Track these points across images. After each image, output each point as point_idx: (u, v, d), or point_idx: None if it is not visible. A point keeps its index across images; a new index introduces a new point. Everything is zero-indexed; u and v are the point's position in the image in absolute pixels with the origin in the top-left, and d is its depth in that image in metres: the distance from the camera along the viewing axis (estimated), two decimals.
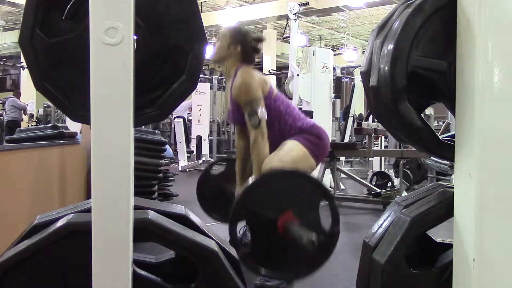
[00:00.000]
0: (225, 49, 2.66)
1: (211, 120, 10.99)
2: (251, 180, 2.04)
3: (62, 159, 3.14)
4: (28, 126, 12.86)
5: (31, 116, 14.49)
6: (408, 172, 6.21)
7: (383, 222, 1.64)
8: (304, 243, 1.74)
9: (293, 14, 7.00)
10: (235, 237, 1.88)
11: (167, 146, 5.64)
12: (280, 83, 13.55)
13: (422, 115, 1.51)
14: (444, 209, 1.50)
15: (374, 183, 5.99)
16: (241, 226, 3.16)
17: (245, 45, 2.66)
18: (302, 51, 7.79)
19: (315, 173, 4.46)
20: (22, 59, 9.38)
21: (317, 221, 1.98)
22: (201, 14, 1.53)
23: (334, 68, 7.16)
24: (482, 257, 1.32)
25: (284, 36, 8.53)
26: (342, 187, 6.45)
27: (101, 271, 1.19)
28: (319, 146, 2.62)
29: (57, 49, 1.31)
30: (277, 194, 1.99)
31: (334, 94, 6.74)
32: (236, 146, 2.93)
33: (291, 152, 2.55)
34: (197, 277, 1.29)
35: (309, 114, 6.10)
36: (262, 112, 2.51)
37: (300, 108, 6.43)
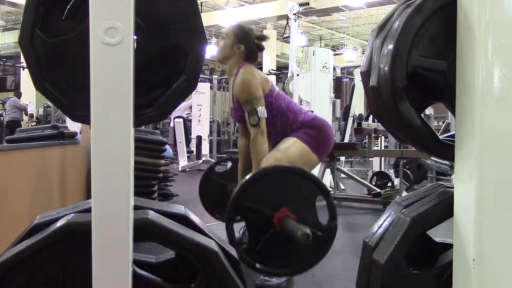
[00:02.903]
0: (229, 48, 2.66)
1: (211, 120, 11.00)
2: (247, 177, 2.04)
3: (62, 159, 3.14)
4: (28, 126, 12.86)
5: (31, 116, 14.49)
6: (408, 172, 6.21)
7: (383, 222, 1.64)
8: (299, 237, 1.73)
9: (293, 14, 7.00)
10: (232, 235, 1.88)
11: (167, 146, 5.64)
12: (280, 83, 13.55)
13: (422, 115, 1.51)
14: (444, 209, 1.50)
15: (374, 183, 5.99)
16: (241, 227, 3.18)
17: (249, 44, 2.66)
18: (302, 51, 7.79)
19: (315, 172, 4.46)
20: (22, 59, 9.38)
21: (314, 216, 1.99)
22: (201, 14, 1.53)
23: (334, 68, 7.16)
24: (482, 257, 1.32)
25: (284, 36, 8.53)
26: (342, 187, 6.45)
27: (101, 271, 1.19)
28: (320, 138, 2.61)
29: (57, 49, 1.31)
30: (272, 191, 1.99)
31: (334, 94, 6.74)
32: (239, 145, 2.94)
33: (289, 149, 2.55)
34: (197, 277, 1.29)
35: None
36: (262, 110, 2.52)
37: None
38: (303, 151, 2.55)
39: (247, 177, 1.97)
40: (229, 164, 3.26)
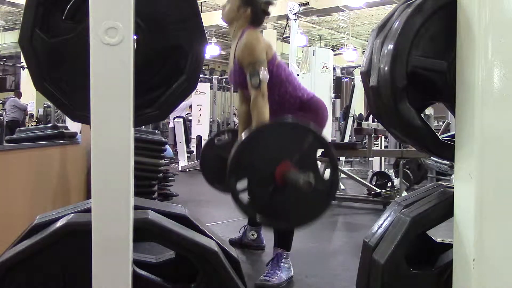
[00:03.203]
0: (235, 11, 2.64)
1: (211, 120, 11.00)
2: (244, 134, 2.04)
3: (62, 159, 3.14)
4: (28, 126, 12.87)
5: (31, 116, 14.49)
6: (408, 172, 6.21)
7: (383, 222, 1.64)
8: (301, 185, 1.73)
9: (293, 14, 7.01)
10: (235, 190, 1.87)
11: (167, 146, 5.64)
12: None
13: (422, 115, 1.51)
14: (444, 209, 1.50)
15: (374, 183, 5.99)
16: (241, 226, 3.18)
17: (255, 8, 2.64)
18: (302, 51, 7.79)
19: None
20: (22, 59, 9.38)
21: (315, 170, 1.98)
22: (201, 14, 1.53)
23: (334, 68, 7.16)
24: (482, 257, 1.32)
25: (284, 36, 8.53)
26: (342, 187, 6.45)
27: (101, 271, 1.19)
28: (315, 121, 2.59)
29: (57, 49, 1.32)
30: (272, 146, 1.98)
31: (334, 94, 6.74)
32: (238, 111, 2.94)
33: None
34: (197, 277, 1.29)
35: None
36: (264, 73, 2.49)
37: None
38: None
39: (245, 134, 1.95)
40: (228, 136, 3.24)
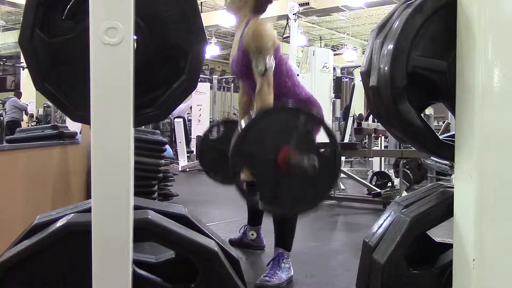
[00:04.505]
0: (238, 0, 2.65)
1: (211, 120, 11.00)
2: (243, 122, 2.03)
3: (62, 159, 3.14)
4: (28, 126, 12.87)
5: (31, 116, 14.49)
6: (408, 172, 6.21)
7: (383, 222, 1.64)
8: (306, 169, 1.72)
9: (293, 14, 7.01)
10: (243, 190, 1.87)
11: (167, 146, 5.63)
12: None
13: (422, 115, 1.50)
14: (444, 209, 1.50)
15: (374, 183, 5.99)
16: (241, 226, 3.18)
17: None
18: (302, 51, 7.79)
19: None
20: (22, 59, 9.38)
21: (314, 148, 1.97)
22: (201, 14, 1.53)
23: (334, 68, 7.16)
24: (482, 257, 1.32)
25: (284, 36, 8.53)
26: (342, 187, 6.45)
27: (101, 271, 1.19)
28: None
29: (57, 49, 1.32)
30: (269, 134, 1.97)
31: (334, 94, 6.74)
32: (239, 103, 2.94)
33: None
34: (197, 277, 1.29)
35: None
36: (270, 61, 2.47)
37: None
38: None
39: (244, 122, 1.95)
40: (222, 128, 3.23)
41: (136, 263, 1.28)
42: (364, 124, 5.89)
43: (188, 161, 9.27)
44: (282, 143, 1.91)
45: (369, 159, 7.83)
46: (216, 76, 12.30)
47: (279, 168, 1.88)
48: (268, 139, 1.95)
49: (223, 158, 3.15)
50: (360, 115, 11.47)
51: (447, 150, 1.49)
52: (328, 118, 6.70)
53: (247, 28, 2.55)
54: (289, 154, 1.88)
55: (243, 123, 1.90)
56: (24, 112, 12.73)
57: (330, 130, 2.03)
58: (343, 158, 7.72)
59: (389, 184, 5.88)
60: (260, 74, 2.45)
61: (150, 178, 4.04)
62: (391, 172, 6.43)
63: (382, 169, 6.76)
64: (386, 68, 1.43)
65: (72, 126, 4.13)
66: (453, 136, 1.48)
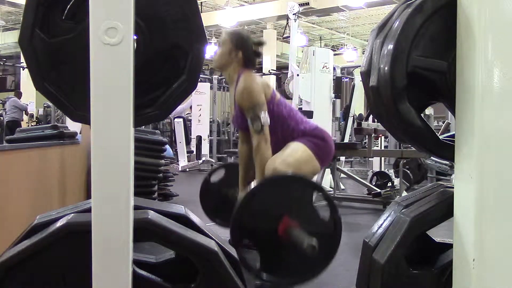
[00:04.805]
0: (227, 55, 2.65)
1: (211, 120, 10.99)
2: (249, 188, 2.06)
3: (62, 159, 3.14)
4: (28, 126, 12.86)
5: (31, 116, 14.48)
6: (408, 172, 6.21)
7: (383, 222, 1.64)
8: (305, 249, 1.74)
9: (293, 14, 7.00)
10: (244, 259, 1.89)
11: (167, 146, 5.63)
12: (280, 83, 13.55)
13: (422, 115, 1.50)
14: (444, 209, 1.50)
15: (374, 183, 5.99)
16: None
17: (246, 50, 2.65)
18: (302, 51, 7.80)
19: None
20: (22, 59, 9.38)
21: (315, 215, 2.00)
22: (201, 14, 1.53)
23: (334, 68, 7.15)
24: (482, 257, 1.32)
25: (284, 36, 8.54)
26: (342, 187, 6.45)
27: (101, 271, 1.19)
28: (324, 148, 2.62)
29: (57, 49, 1.31)
30: (268, 205, 2.02)
31: (334, 94, 6.74)
32: (239, 152, 2.92)
33: (296, 153, 2.54)
34: (197, 277, 1.29)
35: (309, 114, 6.10)
36: (265, 117, 2.51)
37: (300, 108, 6.42)
38: (309, 156, 2.55)
39: (239, 201, 1.99)
40: (224, 171, 3.27)
41: (136, 263, 1.28)
42: (364, 124, 5.89)
43: (188, 161, 9.27)
44: (282, 213, 1.95)
45: (369, 159, 7.84)
46: (216, 76, 12.28)
47: (279, 239, 1.92)
48: (267, 210, 1.99)
49: (223, 201, 3.21)
50: (360, 115, 11.47)
51: (447, 150, 1.49)
52: (328, 118, 6.70)
53: (238, 85, 2.59)
54: (290, 227, 1.91)
55: (242, 194, 1.95)
56: (24, 112, 12.72)
57: (329, 197, 2.07)
58: (343, 158, 7.73)
59: (389, 184, 5.88)
60: (256, 132, 2.49)
61: (150, 178, 4.04)
62: (391, 172, 6.43)
63: (382, 169, 6.76)
64: (386, 68, 1.43)
65: (72, 126, 4.13)
66: (453, 136, 1.47)
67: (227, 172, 3.21)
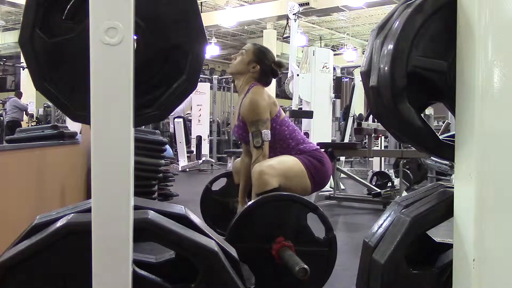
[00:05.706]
0: (245, 64, 2.67)
1: (211, 120, 11.01)
2: (246, 205, 2.08)
3: (62, 159, 3.14)
4: (28, 126, 12.86)
5: (31, 116, 14.49)
6: (408, 172, 6.21)
7: (383, 222, 1.64)
8: (297, 273, 1.75)
9: (293, 14, 7.01)
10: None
11: (167, 146, 5.63)
12: (280, 83, 13.55)
13: (422, 115, 1.50)
14: (444, 209, 1.50)
15: (374, 183, 6.00)
16: None
17: (264, 66, 2.67)
18: (302, 51, 7.80)
19: None
20: (22, 59, 9.38)
21: (310, 234, 2.04)
22: (201, 14, 1.53)
23: (334, 68, 7.16)
24: (482, 257, 1.32)
25: (284, 36, 8.53)
26: (342, 187, 6.45)
27: (101, 271, 1.19)
28: (320, 170, 2.60)
29: (57, 49, 1.31)
30: (261, 226, 2.04)
31: (334, 94, 6.74)
32: (240, 163, 2.92)
33: (287, 163, 2.54)
34: (197, 277, 1.29)
35: (309, 114, 6.10)
36: (266, 133, 2.53)
37: (300, 108, 6.43)
38: (300, 171, 2.54)
39: (232, 222, 2.00)
40: (225, 180, 3.28)
41: (136, 263, 1.28)
42: (364, 124, 5.90)
43: (188, 161, 9.27)
44: (277, 233, 1.97)
45: (369, 159, 7.84)
46: (216, 76, 12.30)
47: (273, 259, 1.93)
48: (262, 228, 2.01)
49: (223, 210, 3.22)
50: (360, 115, 11.49)
51: (447, 150, 1.49)
52: (328, 119, 6.70)
53: (246, 97, 2.60)
54: (283, 248, 1.92)
55: (241, 208, 1.96)
56: (24, 112, 12.73)
57: (325, 218, 2.08)
58: (343, 158, 7.73)
59: (389, 184, 5.88)
60: (256, 147, 2.51)
61: (150, 178, 4.04)
62: (391, 172, 6.44)
63: (382, 169, 6.77)
64: (386, 68, 1.43)
65: (72, 126, 4.13)
66: (453, 136, 1.47)
67: (229, 180, 3.22)
